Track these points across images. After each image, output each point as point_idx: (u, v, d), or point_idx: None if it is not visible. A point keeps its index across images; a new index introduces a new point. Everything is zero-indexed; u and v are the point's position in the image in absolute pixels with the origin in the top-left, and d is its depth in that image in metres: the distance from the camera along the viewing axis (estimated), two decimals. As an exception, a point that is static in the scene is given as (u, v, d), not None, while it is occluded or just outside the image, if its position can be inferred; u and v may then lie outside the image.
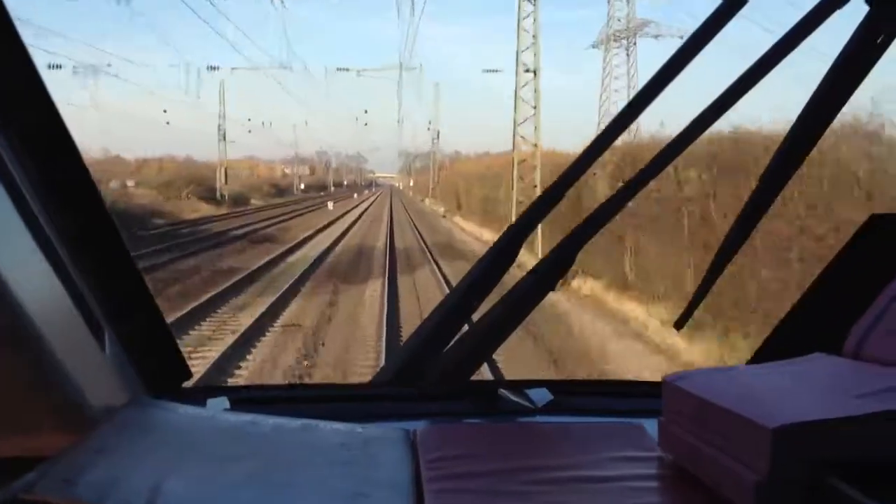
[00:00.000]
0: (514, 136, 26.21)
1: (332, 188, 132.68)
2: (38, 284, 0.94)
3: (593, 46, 46.74)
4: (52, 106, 1.00)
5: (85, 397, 0.99)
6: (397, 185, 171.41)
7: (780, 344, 1.43)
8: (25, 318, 0.87)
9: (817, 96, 1.31)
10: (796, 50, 1.28)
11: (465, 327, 1.41)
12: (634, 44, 44.58)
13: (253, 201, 64.94)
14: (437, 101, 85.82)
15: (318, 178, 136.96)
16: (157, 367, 1.23)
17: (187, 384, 1.31)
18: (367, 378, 5.82)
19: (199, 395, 1.29)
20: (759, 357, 1.45)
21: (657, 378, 1.20)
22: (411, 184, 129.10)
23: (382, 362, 10.45)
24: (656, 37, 43.92)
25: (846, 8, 1.25)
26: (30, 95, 0.98)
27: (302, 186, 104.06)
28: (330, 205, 57.81)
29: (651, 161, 1.28)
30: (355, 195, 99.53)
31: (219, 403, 1.28)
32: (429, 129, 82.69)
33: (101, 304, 1.11)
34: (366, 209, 59.51)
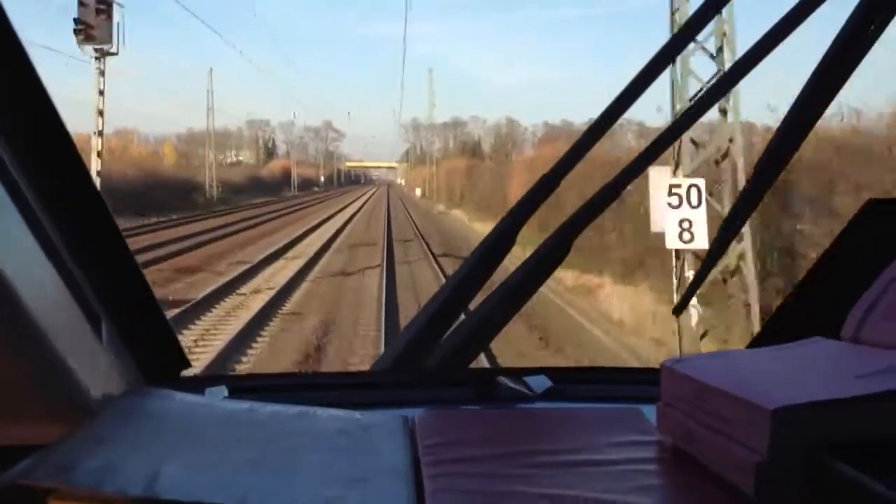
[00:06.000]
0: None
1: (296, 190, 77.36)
2: (35, 275, 0.93)
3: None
4: (48, 99, 0.99)
5: (83, 387, 0.98)
6: (399, 181, 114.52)
7: (780, 329, 1.44)
8: (23, 308, 0.86)
9: (809, 87, 1.30)
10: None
11: (463, 316, 1.41)
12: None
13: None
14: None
15: (245, 172, 79.21)
16: (155, 357, 1.23)
17: (186, 374, 1.31)
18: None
19: (198, 384, 1.29)
20: (759, 342, 1.45)
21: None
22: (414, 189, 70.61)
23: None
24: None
25: None
26: (25, 88, 0.97)
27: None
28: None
29: (651, 144, 1.27)
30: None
31: (217, 392, 1.27)
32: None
33: (99, 295, 1.10)
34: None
